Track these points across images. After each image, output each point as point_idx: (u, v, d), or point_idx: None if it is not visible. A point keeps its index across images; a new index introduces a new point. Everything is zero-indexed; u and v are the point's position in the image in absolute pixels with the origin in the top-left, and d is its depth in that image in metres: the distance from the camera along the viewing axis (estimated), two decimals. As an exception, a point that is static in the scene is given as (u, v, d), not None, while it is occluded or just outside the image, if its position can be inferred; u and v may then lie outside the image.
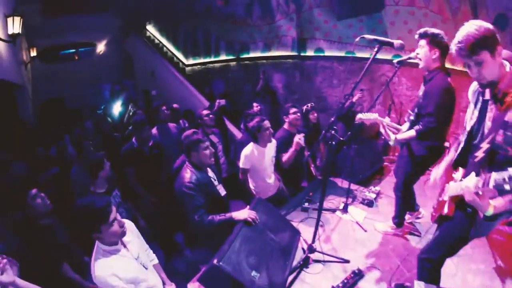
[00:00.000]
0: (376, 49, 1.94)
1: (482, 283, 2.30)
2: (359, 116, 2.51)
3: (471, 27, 1.39)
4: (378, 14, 4.66)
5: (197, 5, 7.98)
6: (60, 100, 9.96)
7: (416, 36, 2.34)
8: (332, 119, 2.16)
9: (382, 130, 2.43)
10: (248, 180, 3.24)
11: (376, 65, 5.03)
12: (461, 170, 1.65)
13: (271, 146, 3.28)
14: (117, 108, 8.18)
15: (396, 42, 1.86)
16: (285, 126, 3.62)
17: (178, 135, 4.11)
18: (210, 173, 2.62)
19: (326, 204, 3.45)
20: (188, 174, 2.40)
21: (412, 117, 2.49)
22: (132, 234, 1.90)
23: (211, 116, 3.96)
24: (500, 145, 1.42)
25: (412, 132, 2.33)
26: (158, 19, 9.65)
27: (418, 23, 4.37)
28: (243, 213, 2.38)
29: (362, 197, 3.59)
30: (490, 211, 1.33)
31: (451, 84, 2.30)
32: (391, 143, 2.41)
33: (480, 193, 1.29)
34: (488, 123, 1.51)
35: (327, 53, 5.81)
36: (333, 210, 3.38)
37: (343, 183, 3.85)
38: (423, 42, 2.30)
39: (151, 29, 10.03)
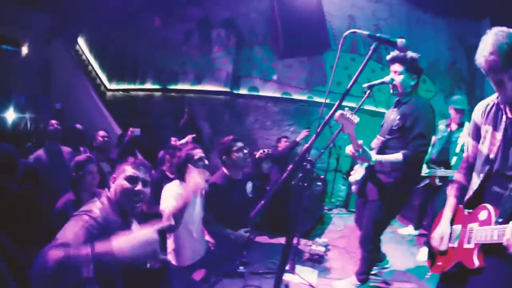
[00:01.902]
0: (372, 49, 1.48)
1: None
2: (349, 149, 2.05)
3: (499, 34, 1.16)
4: (319, 57, 4.66)
5: (133, 24, 7.09)
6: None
7: (389, 57, 2.12)
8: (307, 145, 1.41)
9: (352, 149, 2.04)
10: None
11: (314, 107, 4.91)
12: (491, 210, 1.23)
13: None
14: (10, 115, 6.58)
15: (400, 40, 1.44)
16: (225, 170, 2.66)
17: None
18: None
19: (264, 266, 2.62)
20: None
21: (380, 144, 2.19)
22: None
23: (106, 138, 3.40)
24: None
25: (399, 156, 1.98)
26: (89, 30, 8.28)
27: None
28: None
29: (309, 252, 2.94)
30: None
31: None
32: (371, 162, 2.02)
33: None
34: None
35: (262, 92, 5.53)
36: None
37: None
38: (399, 67, 2.07)
39: (81, 43, 8.54)
